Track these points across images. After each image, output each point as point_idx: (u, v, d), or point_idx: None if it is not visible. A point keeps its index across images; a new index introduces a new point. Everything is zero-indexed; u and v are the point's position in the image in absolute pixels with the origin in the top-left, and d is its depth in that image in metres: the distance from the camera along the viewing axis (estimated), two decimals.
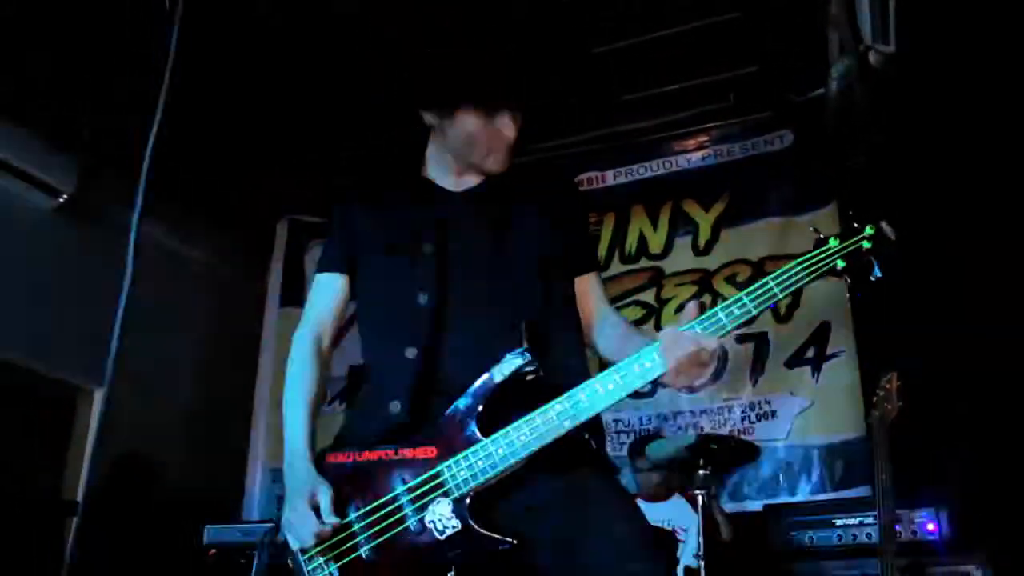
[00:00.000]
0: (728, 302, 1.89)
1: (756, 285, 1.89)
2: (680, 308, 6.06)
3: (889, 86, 4.40)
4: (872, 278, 1.88)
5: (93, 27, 4.55)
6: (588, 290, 2.27)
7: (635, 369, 1.88)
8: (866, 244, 1.87)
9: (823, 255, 1.88)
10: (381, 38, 4.49)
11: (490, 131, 2.11)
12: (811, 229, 1.95)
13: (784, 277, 1.87)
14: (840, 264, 1.87)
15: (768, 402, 5.47)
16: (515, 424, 1.88)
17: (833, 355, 5.38)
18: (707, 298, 5.77)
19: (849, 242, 1.87)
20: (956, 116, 4.93)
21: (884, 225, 1.88)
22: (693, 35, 5.13)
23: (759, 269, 5.68)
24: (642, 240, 6.12)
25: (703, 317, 1.88)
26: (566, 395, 1.88)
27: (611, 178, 6.30)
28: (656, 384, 1.92)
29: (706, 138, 6.12)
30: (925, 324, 4.70)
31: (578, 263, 2.27)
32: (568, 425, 1.87)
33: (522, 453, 1.87)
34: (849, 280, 1.89)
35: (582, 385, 1.89)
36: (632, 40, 5.21)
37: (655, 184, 6.20)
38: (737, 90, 5.75)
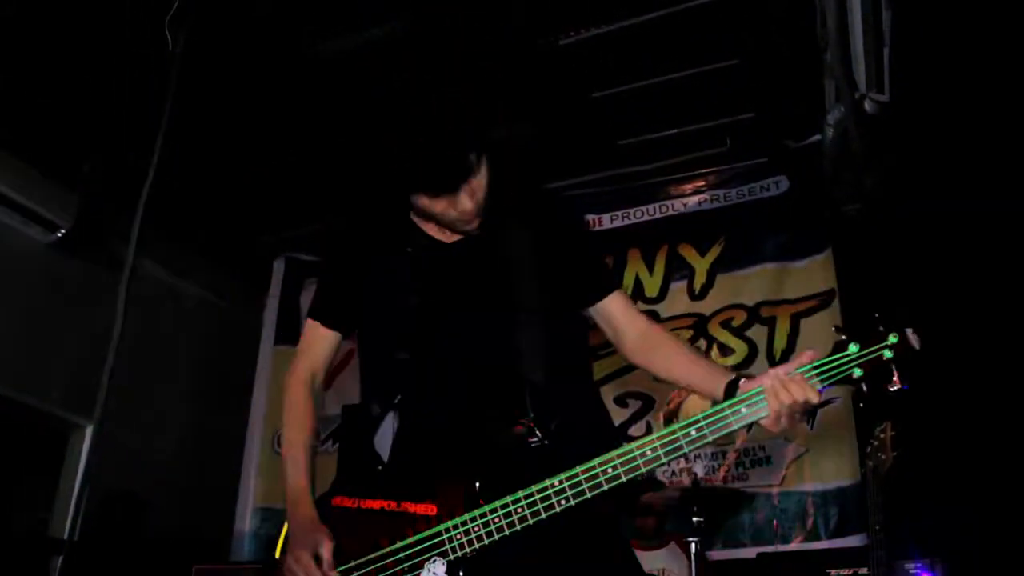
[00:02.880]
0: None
1: (758, 390, 1.80)
2: None
3: (884, 134, 4.43)
4: (891, 389, 1.74)
5: (94, 63, 4.58)
6: (618, 309, 2.20)
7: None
8: (887, 354, 1.74)
9: (840, 363, 1.77)
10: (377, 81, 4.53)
11: (452, 205, 2.04)
12: (833, 329, 1.81)
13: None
14: (857, 373, 1.76)
15: (763, 448, 5.44)
16: (515, 495, 1.87)
17: (828, 402, 5.35)
18: (702, 343, 5.77)
19: (870, 350, 1.75)
20: (950, 163, 4.96)
21: (910, 333, 1.73)
22: (691, 81, 5.17)
23: (754, 314, 5.68)
24: (638, 284, 6.12)
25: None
26: (567, 475, 1.85)
27: (607, 221, 6.32)
28: (751, 426, 1.82)
29: (703, 183, 6.15)
30: (921, 372, 4.69)
31: (598, 285, 2.21)
32: (564, 504, 1.85)
33: (518, 527, 1.87)
34: (865, 388, 1.77)
35: (589, 463, 1.85)
36: (630, 85, 5.25)
37: (651, 228, 6.22)
38: (734, 136, 5.79)
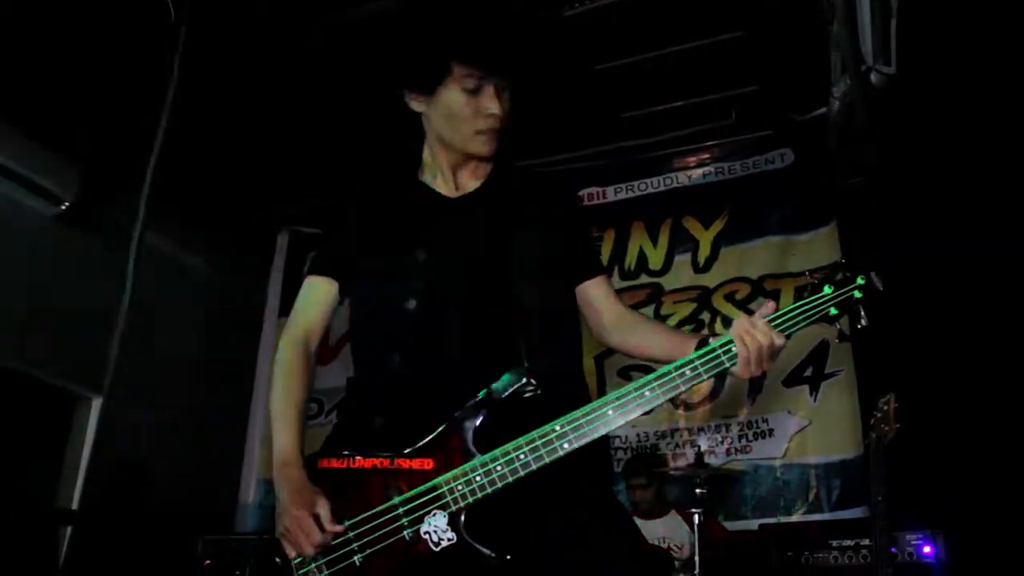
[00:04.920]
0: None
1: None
2: (679, 325, 6.10)
3: (890, 107, 4.41)
4: (859, 326, 1.98)
5: (98, 36, 4.56)
6: (601, 293, 2.26)
7: (657, 389, 1.91)
8: (857, 294, 1.95)
9: (818, 302, 1.96)
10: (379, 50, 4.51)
11: (473, 105, 2.09)
12: (807, 273, 2.03)
13: (780, 321, 1.94)
14: (833, 311, 1.96)
15: (765, 420, 5.47)
16: (515, 442, 1.88)
17: (831, 374, 5.38)
18: (706, 316, 5.78)
19: (842, 291, 1.96)
20: (956, 137, 4.94)
21: (874, 276, 1.96)
22: (695, 53, 5.14)
23: (758, 287, 5.69)
24: (642, 256, 6.13)
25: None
26: (568, 418, 1.88)
27: (612, 194, 6.32)
28: (724, 375, 1.97)
29: (707, 155, 6.14)
30: (925, 345, 4.70)
31: (585, 268, 2.26)
32: (568, 447, 1.87)
33: (521, 472, 1.88)
34: (840, 327, 1.99)
35: (586, 408, 1.89)
36: (634, 57, 5.22)
37: (655, 200, 6.22)
38: (738, 108, 5.77)
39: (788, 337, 1.94)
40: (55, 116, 5.07)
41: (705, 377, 1.92)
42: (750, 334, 1.90)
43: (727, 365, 1.91)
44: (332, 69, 5.06)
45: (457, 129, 2.14)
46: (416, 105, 2.20)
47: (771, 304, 1.97)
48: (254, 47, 4.85)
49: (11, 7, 4.30)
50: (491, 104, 2.09)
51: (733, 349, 1.91)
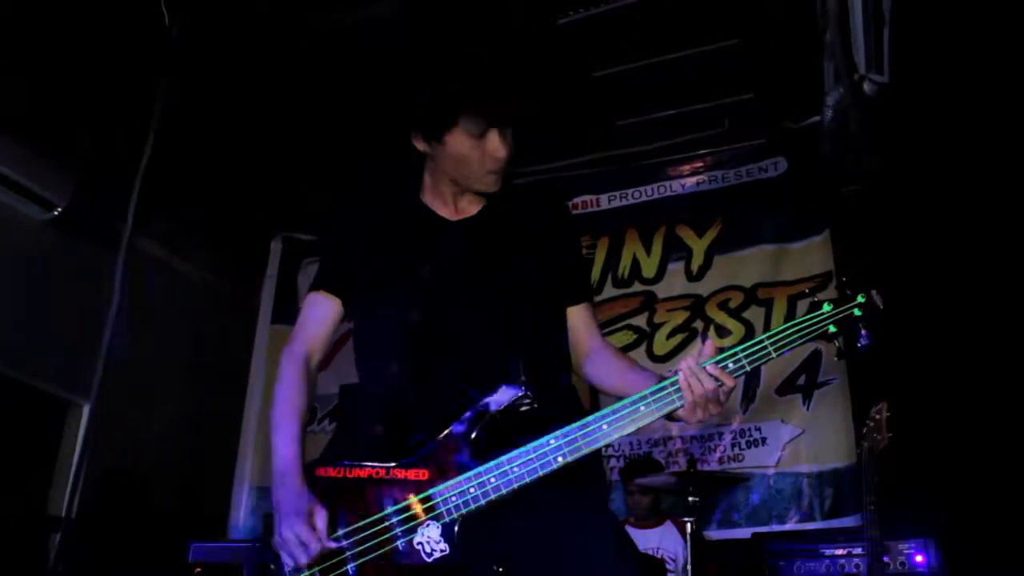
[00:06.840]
0: (727, 354, 1.94)
1: (751, 343, 1.95)
2: (672, 333, 6.07)
3: (883, 115, 4.42)
4: (859, 344, 1.97)
5: (91, 42, 4.56)
6: (582, 320, 2.28)
7: (651, 404, 1.91)
8: (857, 312, 1.95)
9: (817, 320, 1.96)
10: (377, 57, 4.52)
11: (480, 149, 2.10)
12: (805, 291, 2.04)
13: (779, 337, 1.94)
14: (832, 329, 1.96)
15: (758, 429, 5.46)
16: (509, 455, 1.90)
17: (824, 383, 5.38)
18: (699, 324, 5.78)
19: (842, 308, 1.96)
20: (949, 145, 4.95)
21: (874, 294, 1.96)
22: (690, 61, 5.16)
23: (751, 296, 5.68)
24: (635, 264, 6.12)
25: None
26: (563, 431, 1.90)
27: (605, 202, 6.31)
28: (669, 417, 1.96)
29: (701, 164, 6.14)
30: (918, 353, 4.70)
31: (572, 293, 2.28)
32: (562, 461, 1.89)
33: (515, 484, 1.89)
34: (838, 344, 1.97)
35: (581, 422, 1.90)
36: (629, 65, 5.23)
37: (649, 208, 6.21)
38: (732, 116, 5.78)
39: (738, 378, 1.94)
40: (48, 122, 5.07)
41: (678, 404, 1.91)
42: (696, 378, 1.90)
43: (677, 404, 1.91)
44: (329, 73, 5.06)
45: (465, 171, 2.15)
46: (422, 147, 2.20)
47: (710, 343, 1.96)
48: (248, 51, 4.85)
49: (4, 12, 4.30)
50: (498, 148, 2.09)
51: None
